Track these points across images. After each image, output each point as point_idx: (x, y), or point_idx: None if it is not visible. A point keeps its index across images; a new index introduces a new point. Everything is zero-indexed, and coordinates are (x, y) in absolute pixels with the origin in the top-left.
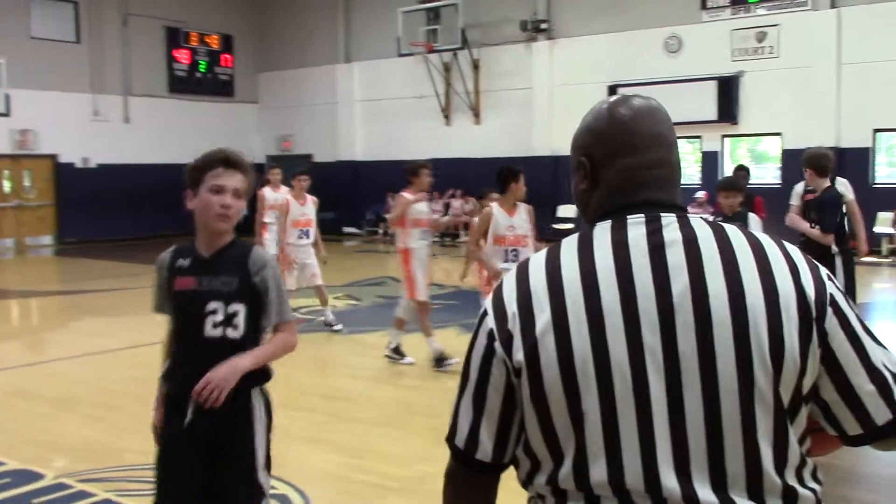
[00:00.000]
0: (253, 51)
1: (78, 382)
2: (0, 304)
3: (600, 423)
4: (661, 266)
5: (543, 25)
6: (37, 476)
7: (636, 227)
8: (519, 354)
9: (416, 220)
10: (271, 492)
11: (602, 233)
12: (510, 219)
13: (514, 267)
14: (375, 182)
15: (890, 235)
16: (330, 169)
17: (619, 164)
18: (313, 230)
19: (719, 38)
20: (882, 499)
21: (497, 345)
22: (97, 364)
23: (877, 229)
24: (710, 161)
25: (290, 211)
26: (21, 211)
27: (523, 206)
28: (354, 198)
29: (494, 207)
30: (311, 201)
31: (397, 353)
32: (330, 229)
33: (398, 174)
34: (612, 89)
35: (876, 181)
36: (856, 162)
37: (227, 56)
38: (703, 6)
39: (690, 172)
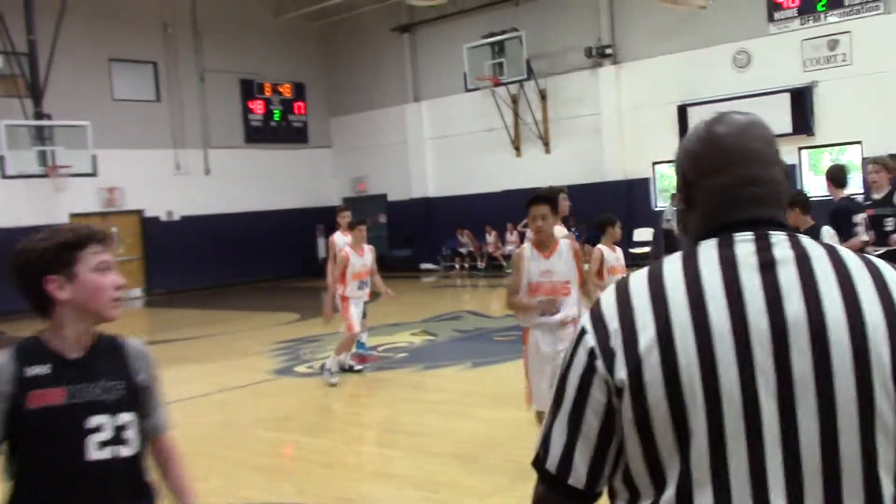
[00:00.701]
0: (324, 96)
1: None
2: None
3: (707, 446)
4: (772, 285)
5: (608, 51)
6: None
7: (744, 244)
8: (622, 373)
9: (612, 267)
10: None
11: (708, 250)
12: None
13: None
14: (449, 217)
15: None
16: (404, 207)
17: (709, 184)
18: (370, 278)
19: (789, 49)
20: None
21: (599, 363)
22: (185, 410)
23: None
24: (789, 174)
25: (351, 264)
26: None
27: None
28: (429, 234)
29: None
30: (368, 251)
31: None
32: (406, 266)
33: (470, 209)
34: (682, 109)
35: None
36: None
37: (300, 103)
38: (771, 18)
39: None
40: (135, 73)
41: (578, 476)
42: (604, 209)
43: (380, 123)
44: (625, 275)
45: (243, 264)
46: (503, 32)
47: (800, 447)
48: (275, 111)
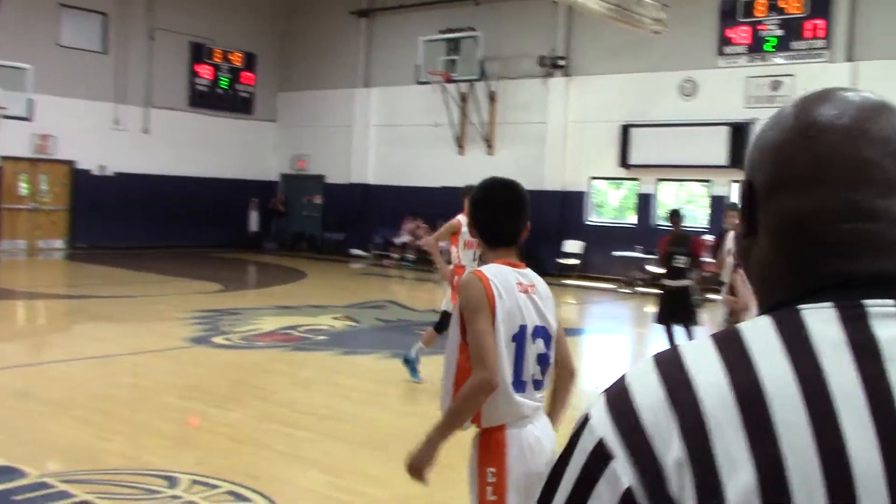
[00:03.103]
0: (274, 70)
1: (76, 385)
2: (7, 304)
3: None
4: None
5: (561, 62)
6: (20, 474)
7: (887, 322)
8: None
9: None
10: None
11: (823, 326)
12: None
13: (650, 367)
14: (385, 206)
15: None
16: (341, 190)
17: (780, 205)
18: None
19: (734, 84)
20: None
21: None
22: (96, 368)
23: None
24: (719, 205)
25: (462, 232)
26: (35, 214)
27: None
28: (364, 221)
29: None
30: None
31: None
32: (337, 250)
33: (408, 200)
34: (626, 129)
35: None
36: None
37: (249, 74)
38: (720, 52)
39: (699, 216)
40: (84, 22)
41: None
42: (538, 217)
43: (327, 104)
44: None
45: (172, 228)
46: (460, 30)
47: None
48: (222, 78)
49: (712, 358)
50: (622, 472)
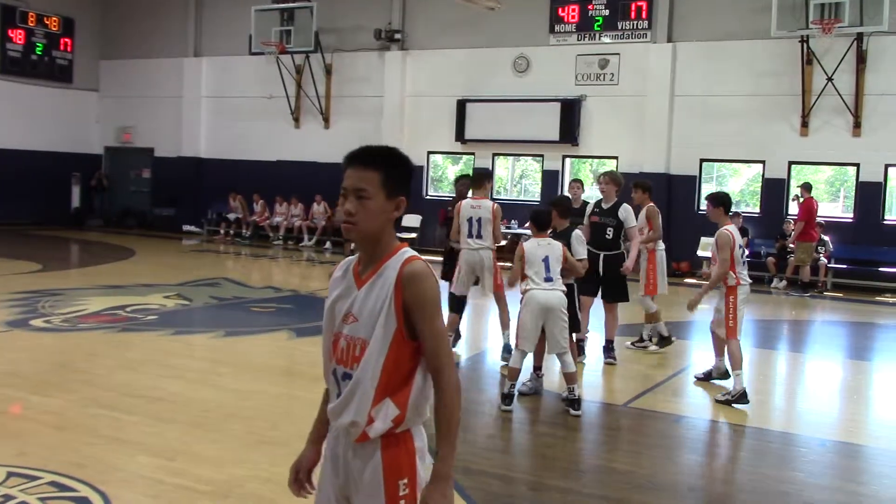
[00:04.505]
0: (95, 37)
1: None
2: None
3: None
4: None
5: (397, 36)
6: None
7: None
8: None
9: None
10: (70, 495)
11: None
12: None
13: None
14: (219, 180)
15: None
16: (171, 164)
17: None
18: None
19: (565, 61)
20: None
21: None
22: None
23: (700, 253)
24: (552, 179)
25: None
26: None
27: None
28: (196, 195)
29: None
30: None
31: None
32: (168, 226)
33: (243, 173)
34: (462, 104)
35: (701, 208)
36: (682, 189)
37: (67, 40)
38: (552, 30)
39: (533, 190)
40: None
41: None
42: None
43: (154, 74)
44: None
45: None
46: (294, 0)
47: None
48: (38, 44)
49: None
50: None
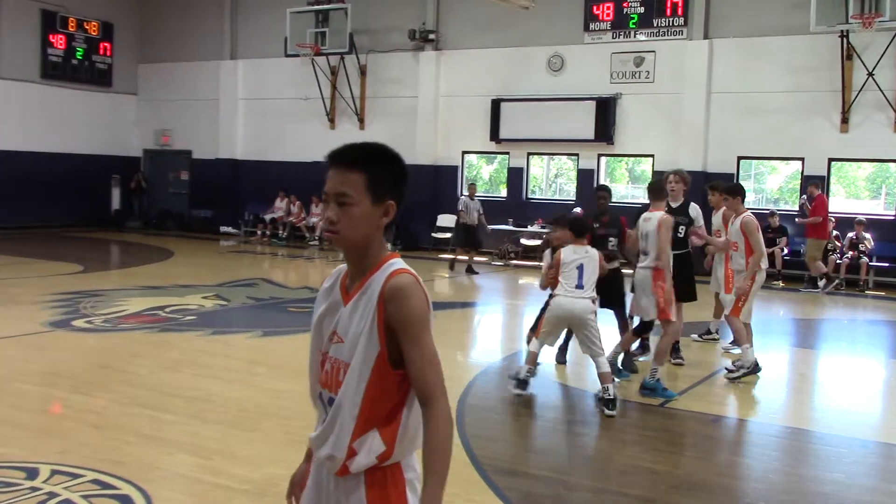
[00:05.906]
0: (134, 41)
1: None
2: None
3: None
4: None
5: (431, 36)
6: None
7: None
8: None
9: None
10: (112, 493)
11: None
12: None
13: None
14: (255, 182)
15: None
16: (209, 166)
17: None
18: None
19: (600, 59)
20: None
21: None
22: None
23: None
24: (587, 178)
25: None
26: None
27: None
28: (233, 197)
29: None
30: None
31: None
32: (206, 228)
33: (278, 176)
34: (496, 103)
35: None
36: None
37: (107, 44)
38: (587, 28)
39: (568, 189)
40: None
41: None
42: (411, 191)
43: (192, 77)
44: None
45: (27, 207)
46: (329, 2)
47: None
48: (78, 49)
49: None
50: None
